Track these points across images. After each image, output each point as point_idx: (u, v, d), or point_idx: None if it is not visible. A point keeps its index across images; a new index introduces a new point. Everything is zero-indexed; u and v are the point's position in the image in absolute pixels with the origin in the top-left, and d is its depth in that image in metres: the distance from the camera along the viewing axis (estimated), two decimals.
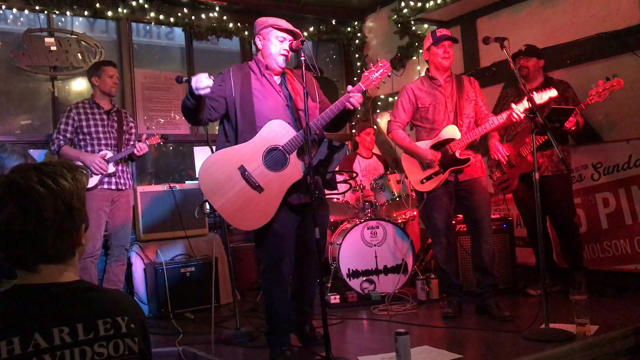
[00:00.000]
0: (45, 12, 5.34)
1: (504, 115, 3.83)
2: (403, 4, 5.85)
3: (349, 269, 4.78)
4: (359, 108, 3.22)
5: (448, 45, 4.03)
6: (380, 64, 3.25)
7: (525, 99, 3.63)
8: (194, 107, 3.13)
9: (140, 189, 5.07)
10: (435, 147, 4.04)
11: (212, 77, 3.03)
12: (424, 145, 4.08)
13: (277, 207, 3.16)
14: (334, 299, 4.67)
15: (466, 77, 4.22)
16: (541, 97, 3.73)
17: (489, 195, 4.17)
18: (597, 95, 3.95)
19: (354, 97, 3.17)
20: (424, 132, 4.14)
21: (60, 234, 1.31)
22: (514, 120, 3.77)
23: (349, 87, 3.22)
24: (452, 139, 3.99)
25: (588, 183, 4.79)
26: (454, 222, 4.44)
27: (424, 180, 4.08)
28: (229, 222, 3.22)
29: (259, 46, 3.34)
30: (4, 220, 1.25)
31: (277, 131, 3.19)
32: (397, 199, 5.12)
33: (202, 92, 3.01)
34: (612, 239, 4.64)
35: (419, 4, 5.65)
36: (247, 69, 3.35)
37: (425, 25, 6.20)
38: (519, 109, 3.71)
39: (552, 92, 3.78)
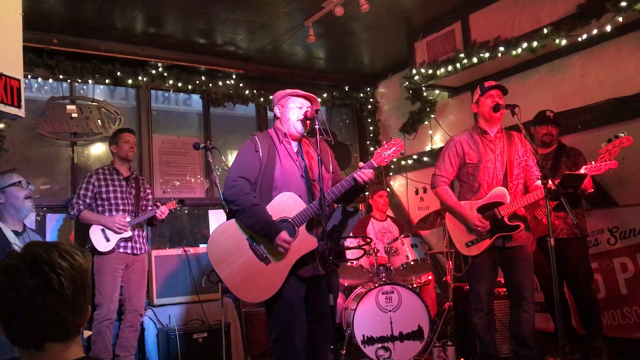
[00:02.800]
0: (68, 80, 5.54)
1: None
2: (414, 71, 5.99)
3: (363, 336, 4.69)
4: (370, 183, 3.26)
5: (497, 95, 3.85)
6: (393, 142, 3.29)
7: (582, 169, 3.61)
8: (256, 228, 3.17)
9: (154, 253, 5.09)
10: (482, 209, 3.85)
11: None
12: (469, 206, 3.88)
13: (283, 280, 3.16)
14: None
15: (516, 133, 3.99)
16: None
17: (533, 263, 3.95)
18: (608, 154, 3.82)
19: (364, 172, 3.20)
20: (469, 190, 3.94)
21: (75, 311, 1.32)
22: None
23: (361, 164, 3.27)
24: (502, 202, 3.79)
25: (605, 247, 4.74)
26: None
27: (470, 244, 3.87)
28: (234, 293, 3.21)
29: (278, 114, 3.43)
30: (26, 294, 1.26)
31: (288, 203, 3.23)
32: (413, 262, 5.08)
33: (280, 250, 3.13)
34: (633, 305, 4.54)
35: (430, 71, 5.78)
36: (269, 137, 3.42)
37: (437, 91, 6.33)
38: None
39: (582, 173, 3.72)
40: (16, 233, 3.11)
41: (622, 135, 3.72)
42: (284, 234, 3.11)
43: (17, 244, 3.08)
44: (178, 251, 5.17)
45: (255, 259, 3.18)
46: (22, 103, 3.22)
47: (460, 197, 4.01)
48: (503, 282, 4.27)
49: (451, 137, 4.11)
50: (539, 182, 3.82)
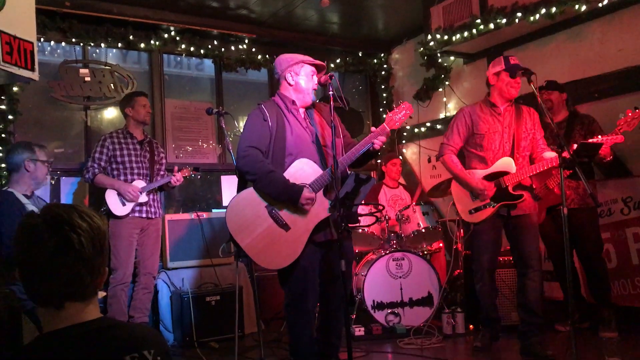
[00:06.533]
0: (81, 44, 5.51)
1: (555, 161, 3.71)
2: (429, 36, 5.90)
3: (373, 301, 4.75)
4: (383, 147, 3.28)
5: (519, 77, 3.87)
6: (402, 106, 3.32)
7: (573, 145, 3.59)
8: (276, 194, 3.19)
9: (168, 217, 5.15)
10: (488, 178, 3.89)
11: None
12: (477, 174, 3.94)
13: (303, 246, 3.19)
14: (359, 331, 4.64)
15: (526, 107, 4.05)
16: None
17: (538, 231, 4.00)
18: (626, 125, 3.80)
19: (378, 138, 3.22)
20: (476, 160, 4.01)
21: (93, 271, 1.35)
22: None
23: (373, 128, 3.27)
24: (507, 172, 3.85)
25: (618, 217, 4.72)
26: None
27: (473, 211, 3.95)
28: (256, 261, 3.24)
29: (291, 82, 3.39)
30: (47, 252, 1.28)
31: (305, 169, 3.24)
32: (424, 230, 5.11)
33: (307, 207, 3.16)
34: None
35: (446, 37, 5.69)
36: (276, 105, 3.40)
37: (452, 58, 6.24)
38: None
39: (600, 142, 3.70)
40: (26, 196, 3.22)
41: None
42: (307, 192, 3.13)
43: (30, 204, 3.16)
44: (191, 216, 5.22)
45: (276, 226, 3.20)
46: (36, 66, 3.23)
47: (468, 167, 4.04)
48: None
49: (461, 108, 4.15)
50: (546, 154, 3.88)
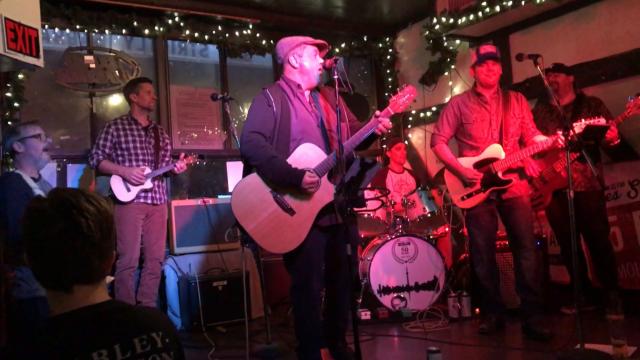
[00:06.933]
0: (85, 30, 5.50)
1: (550, 141, 3.79)
2: (435, 20, 5.85)
3: (379, 285, 4.77)
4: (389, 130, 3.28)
5: (492, 64, 4.01)
6: (406, 89, 3.32)
7: (577, 123, 3.63)
8: (278, 179, 3.19)
9: (174, 203, 5.17)
10: (477, 165, 4.03)
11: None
12: (467, 162, 4.08)
13: (308, 230, 3.20)
14: (365, 315, 4.66)
15: (513, 92, 4.17)
16: (581, 126, 3.68)
17: (531, 213, 4.13)
18: (636, 108, 3.85)
19: (382, 123, 3.22)
20: (467, 148, 4.14)
21: (102, 255, 1.36)
22: (559, 146, 3.74)
23: (377, 112, 3.26)
24: (496, 159, 3.97)
25: (625, 200, 4.70)
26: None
27: (465, 197, 4.09)
28: (261, 245, 3.26)
29: (295, 65, 3.38)
30: (55, 235, 1.29)
31: (309, 154, 3.24)
32: (430, 215, 5.11)
33: (310, 191, 3.17)
34: None
35: (451, 20, 5.64)
36: (281, 90, 3.39)
37: (457, 41, 6.20)
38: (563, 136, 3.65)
39: (602, 121, 3.73)
40: (34, 179, 3.21)
41: None
42: (308, 176, 3.13)
43: (37, 188, 3.16)
44: (197, 202, 5.24)
45: (281, 210, 3.21)
46: (41, 53, 3.23)
47: (460, 155, 4.18)
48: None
49: (451, 99, 4.30)
50: (537, 137, 3.98)
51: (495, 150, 3.98)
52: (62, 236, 1.29)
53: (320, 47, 3.42)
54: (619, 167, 4.74)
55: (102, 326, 1.33)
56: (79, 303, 1.34)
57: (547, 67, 4.39)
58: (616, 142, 4.03)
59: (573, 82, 4.49)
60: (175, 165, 4.67)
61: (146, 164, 4.64)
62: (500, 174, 3.94)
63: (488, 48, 4.08)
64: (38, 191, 3.05)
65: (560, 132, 3.69)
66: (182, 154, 4.78)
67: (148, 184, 4.57)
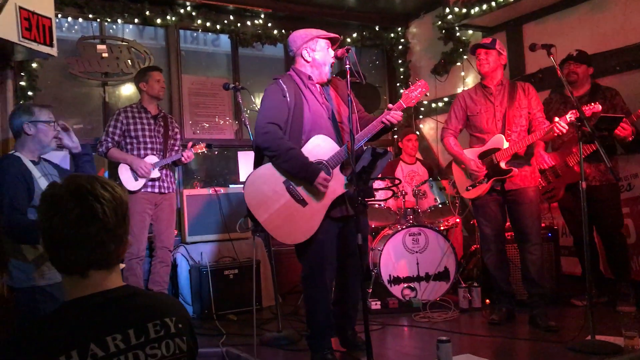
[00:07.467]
0: (98, 20, 5.53)
1: (547, 126, 3.83)
2: (447, 10, 5.81)
3: (390, 275, 4.78)
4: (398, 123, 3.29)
5: (483, 52, 4.08)
6: (418, 83, 3.34)
7: (570, 112, 3.63)
8: (294, 172, 3.20)
9: (186, 192, 5.20)
10: (481, 156, 4.08)
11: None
12: (471, 153, 4.13)
13: (321, 221, 3.22)
14: (375, 305, 4.68)
15: (521, 83, 4.19)
16: (592, 109, 3.68)
17: (538, 206, 4.11)
18: None
19: (393, 115, 3.22)
20: (475, 140, 4.21)
21: (116, 240, 1.37)
22: (556, 133, 3.75)
23: (390, 105, 3.27)
24: (498, 149, 4.00)
25: (638, 192, 4.67)
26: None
27: (470, 188, 4.16)
28: (274, 236, 3.28)
29: (308, 58, 3.39)
30: (72, 221, 1.31)
31: (322, 146, 3.25)
32: (441, 205, 5.11)
33: (322, 189, 3.17)
34: None
35: (464, 10, 5.60)
36: (293, 81, 3.39)
37: (470, 31, 6.15)
38: (562, 122, 3.67)
39: (597, 107, 3.78)
40: (33, 162, 3.07)
41: None
42: (323, 174, 3.15)
43: (37, 171, 3.03)
44: (209, 191, 5.27)
45: (293, 201, 3.23)
46: (54, 42, 3.26)
47: (470, 146, 4.25)
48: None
49: (459, 93, 4.37)
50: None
51: (497, 140, 4.03)
52: (78, 222, 1.31)
53: (332, 41, 3.42)
54: (633, 159, 4.70)
55: (117, 311, 1.35)
56: (94, 288, 1.36)
57: (569, 53, 4.36)
58: (630, 139, 4.03)
59: (591, 73, 4.44)
60: (182, 154, 4.69)
61: (155, 152, 4.65)
62: (502, 164, 3.97)
63: (484, 40, 4.19)
64: (38, 174, 2.98)
65: (557, 119, 3.69)
66: (190, 143, 4.80)
67: (156, 173, 4.59)
